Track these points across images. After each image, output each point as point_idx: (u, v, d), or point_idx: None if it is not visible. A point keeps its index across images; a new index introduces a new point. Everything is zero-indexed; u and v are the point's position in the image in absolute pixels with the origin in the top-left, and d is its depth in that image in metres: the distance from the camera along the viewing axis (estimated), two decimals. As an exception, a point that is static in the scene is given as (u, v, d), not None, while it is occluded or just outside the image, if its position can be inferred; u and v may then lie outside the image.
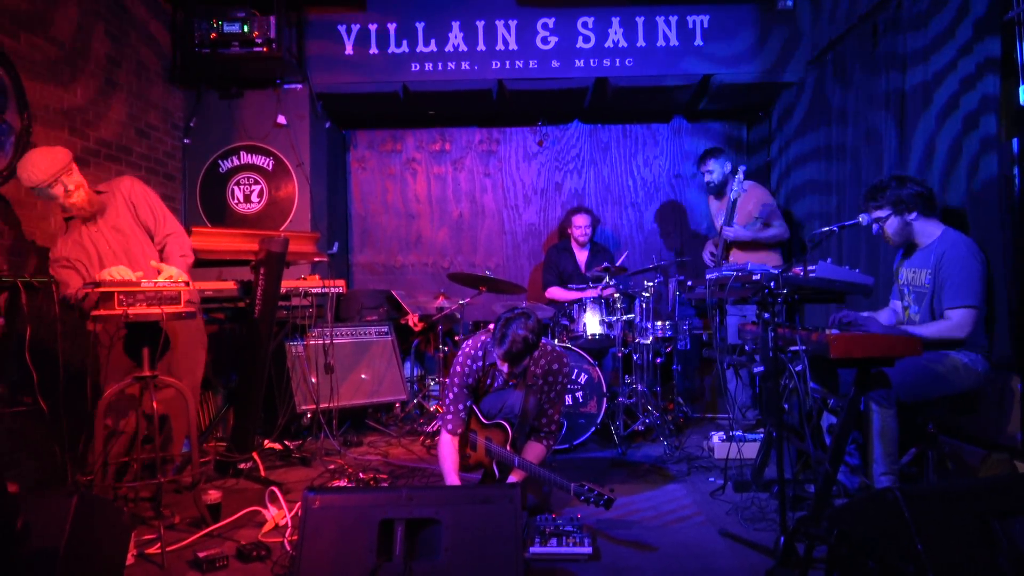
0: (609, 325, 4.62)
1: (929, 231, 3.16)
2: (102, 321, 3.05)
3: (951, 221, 3.24)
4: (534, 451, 3.33)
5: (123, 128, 4.51)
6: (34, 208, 3.67)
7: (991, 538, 1.88)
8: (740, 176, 4.68)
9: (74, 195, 3.26)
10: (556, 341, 4.64)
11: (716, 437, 4.24)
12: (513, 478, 3.21)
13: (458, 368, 3.38)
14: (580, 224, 5.62)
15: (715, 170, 5.01)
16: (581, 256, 5.66)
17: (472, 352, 3.38)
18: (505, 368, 3.20)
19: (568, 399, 4.37)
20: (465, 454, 3.37)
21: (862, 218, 3.11)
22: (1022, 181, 3.03)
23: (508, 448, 3.25)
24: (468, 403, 3.35)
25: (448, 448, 3.27)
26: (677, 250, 6.28)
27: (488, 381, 3.44)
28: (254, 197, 5.37)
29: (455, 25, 5.35)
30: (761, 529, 2.97)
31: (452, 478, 3.21)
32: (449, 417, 3.31)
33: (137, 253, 3.44)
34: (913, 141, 3.78)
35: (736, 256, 4.91)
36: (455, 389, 3.33)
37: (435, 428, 4.57)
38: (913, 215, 3.15)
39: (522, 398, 3.31)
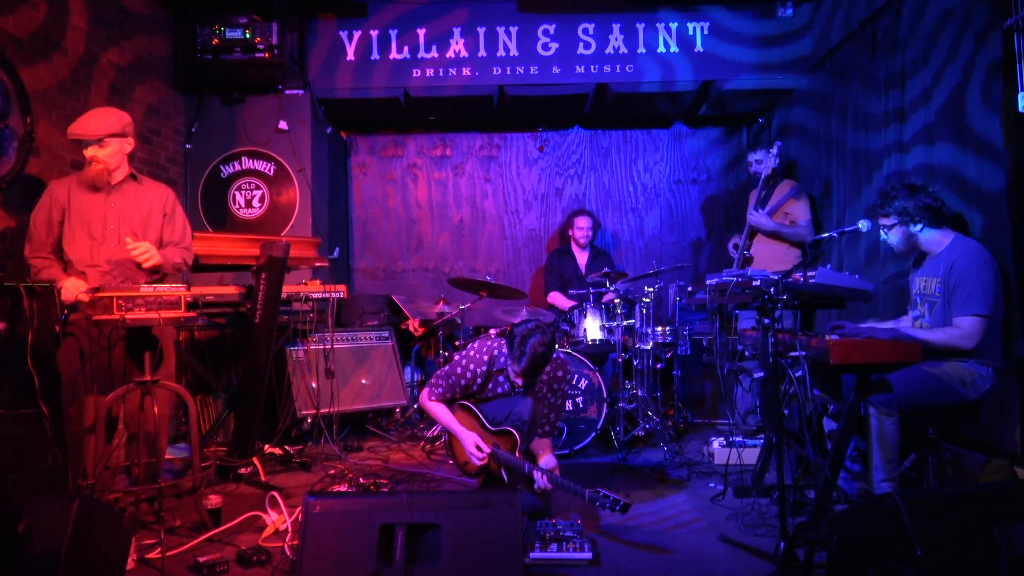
0: (609, 331, 4.63)
1: (939, 240, 3.11)
2: (100, 326, 3.06)
3: (963, 228, 3.22)
4: (542, 444, 3.42)
5: (125, 133, 4.51)
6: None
7: (991, 543, 1.89)
8: (774, 150, 4.75)
9: (93, 166, 3.31)
10: (556, 347, 4.64)
11: (716, 443, 4.24)
12: (540, 481, 3.13)
13: (459, 369, 3.39)
14: (581, 225, 5.63)
15: (763, 160, 4.96)
16: (581, 259, 5.67)
17: (478, 358, 3.39)
18: (520, 381, 3.24)
19: (568, 404, 4.36)
20: (464, 460, 3.37)
21: (862, 224, 3.10)
22: (1021, 187, 3.03)
23: (517, 455, 3.25)
24: (457, 398, 3.44)
25: (440, 406, 3.41)
26: (677, 255, 6.29)
27: (491, 386, 3.44)
28: (255, 202, 5.38)
29: (456, 31, 5.37)
30: (761, 535, 2.97)
31: (453, 420, 3.37)
32: (439, 391, 3.41)
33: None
34: (915, 147, 3.79)
35: (758, 246, 4.90)
36: (441, 387, 3.41)
37: (436, 433, 4.57)
38: (919, 227, 3.09)
39: (531, 406, 3.33)
